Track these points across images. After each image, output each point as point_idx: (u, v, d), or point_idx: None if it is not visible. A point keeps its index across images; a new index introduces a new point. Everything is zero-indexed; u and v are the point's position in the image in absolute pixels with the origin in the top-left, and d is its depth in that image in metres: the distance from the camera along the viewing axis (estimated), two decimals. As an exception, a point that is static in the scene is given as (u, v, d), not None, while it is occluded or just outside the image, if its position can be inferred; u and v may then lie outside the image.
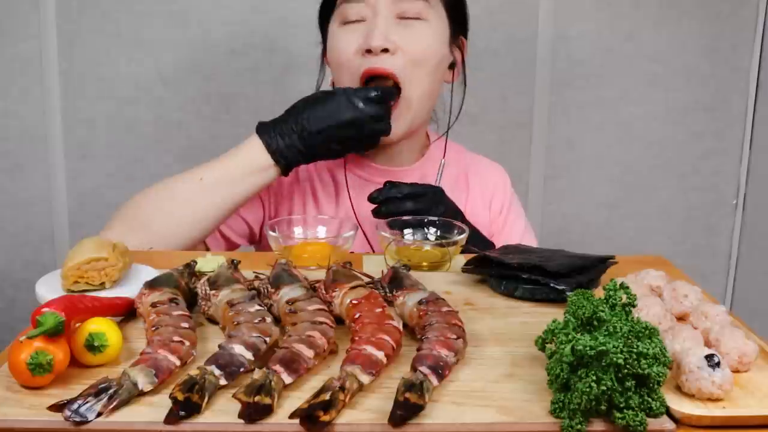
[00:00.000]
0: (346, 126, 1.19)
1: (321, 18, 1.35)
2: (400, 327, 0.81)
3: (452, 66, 1.36)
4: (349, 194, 1.33)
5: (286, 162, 1.21)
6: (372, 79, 1.25)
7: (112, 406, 0.69)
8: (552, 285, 0.97)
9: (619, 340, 0.69)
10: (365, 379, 0.72)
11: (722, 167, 2.09)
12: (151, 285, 0.90)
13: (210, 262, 1.03)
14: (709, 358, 0.73)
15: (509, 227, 1.41)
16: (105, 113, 1.94)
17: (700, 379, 0.72)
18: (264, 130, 1.22)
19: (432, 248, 1.13)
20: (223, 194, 1.21)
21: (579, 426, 0.68)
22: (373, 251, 1.31)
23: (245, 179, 1.21)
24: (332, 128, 1.19)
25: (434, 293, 0.89)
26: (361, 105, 1.19)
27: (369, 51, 1.23)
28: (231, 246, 1.34)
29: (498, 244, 1.38)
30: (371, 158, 1.36)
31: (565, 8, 1.95)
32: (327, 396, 0.69)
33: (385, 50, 1.23)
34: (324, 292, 0.90)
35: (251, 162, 1.21)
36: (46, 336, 0.73)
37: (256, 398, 0.68)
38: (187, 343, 0.78)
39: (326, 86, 1.38)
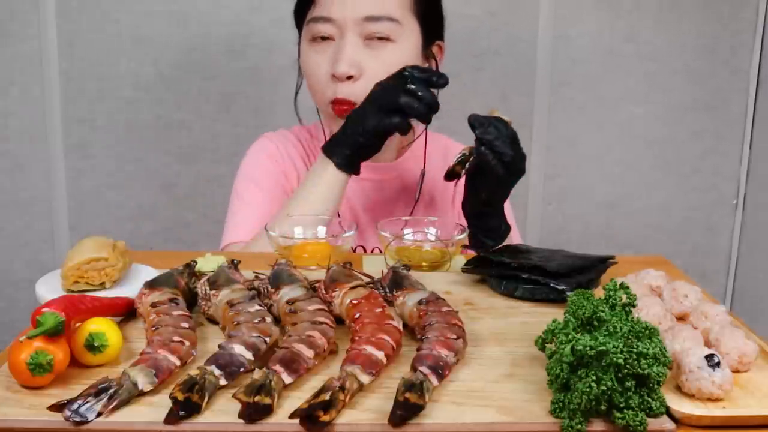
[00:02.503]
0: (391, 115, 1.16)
1: (297, 19, 1.35)
2: (400, 327, 0.81)
3: None
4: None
5: (355, 168, 1.22)
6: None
7: (112, 406, 0.69)
8: (552, 285, 0.97)
9: (619, 340, 0.69)
10: (365, 379, 0.72)
11: (722, 167, 2.09)
12: (151, 285, 0.90)
13: (210, 262, 1.03)
14: (709, 358, 0.73)
15: None
16: (105, 113, 1.94)
17: (700, 379, 0.72)
18: (330, 150, 1.21)
19: (432, 248, 1.13)
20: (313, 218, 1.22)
21: (579, 426, 0.68)
22: (365, 251, 1.32)
23: (327, 201, 1.21)
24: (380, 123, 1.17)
25: (434, 293, 0.89)
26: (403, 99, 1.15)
27: (335, 76, 1.24)
28: None
29: None
30: None
31: (565, 8, 1.95)
32: (327, 396, 0.68)
33: (350, 77, 1.24)
34: (324, 292, 0.89)
35: (329, 186, 1.20)
36: (46, 336, 0.73)
37: (256, 398, 0.68)
38: (187, 343, 0.78)
39: (304, 90, 1.38)
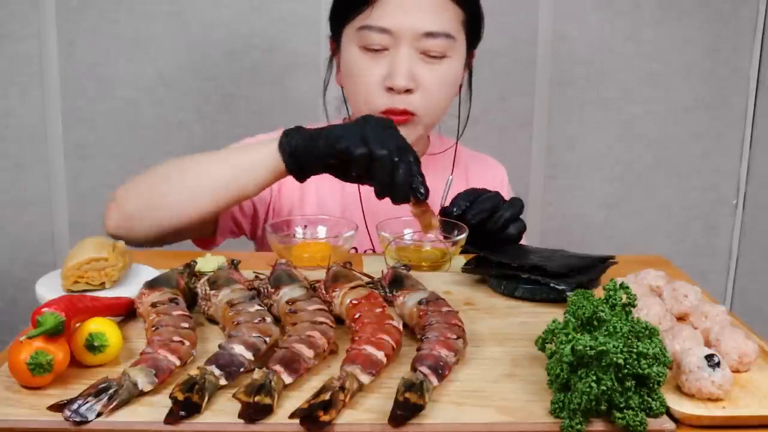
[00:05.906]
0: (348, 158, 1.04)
1: (333, 18, 1.31)
2: (400, 327, 0.81)
3: None
4: (360, 195, 1.34)
5: (295, 165, 1.09)
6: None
7: (112, 406, 0.69)
8: (552, 285, 0.97)
9: (619, 340, 0.69)
10: (365, 379, 0.72)
11: (722, 166, 2.09)
12: (151, 285, 0.90)
13: (210, 262, 1.03)
14: (709, 358, 0.73)
15: None
16: (105, 113, 1.94)
17: (700, 379, 0.72)
18: (286, 132, 1.10)
19: (432, 248, 1.13)
20: (233, 183, 1.12)
21: (579, 426, 0.68)
22: (374, 251, 1.31)
23: (254, 173, 1.10)
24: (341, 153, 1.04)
25: (434, 293, 0.89)
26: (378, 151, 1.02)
27: (391, 88, 1.22)
28: (238, 229, 1.32)
29: None
30: None
31: (565, 8, 1.95)
32: (327, 396, 0.68)
33: (408, 90, 1.22)
34: (324, 292, 0.90)
35: (253, 173, 1.10)
36: (46, 336, 0.73)
37: (256, 398, 0.69)
38: (187, 343, 0.78)
39: (333, 84, 1.37)
